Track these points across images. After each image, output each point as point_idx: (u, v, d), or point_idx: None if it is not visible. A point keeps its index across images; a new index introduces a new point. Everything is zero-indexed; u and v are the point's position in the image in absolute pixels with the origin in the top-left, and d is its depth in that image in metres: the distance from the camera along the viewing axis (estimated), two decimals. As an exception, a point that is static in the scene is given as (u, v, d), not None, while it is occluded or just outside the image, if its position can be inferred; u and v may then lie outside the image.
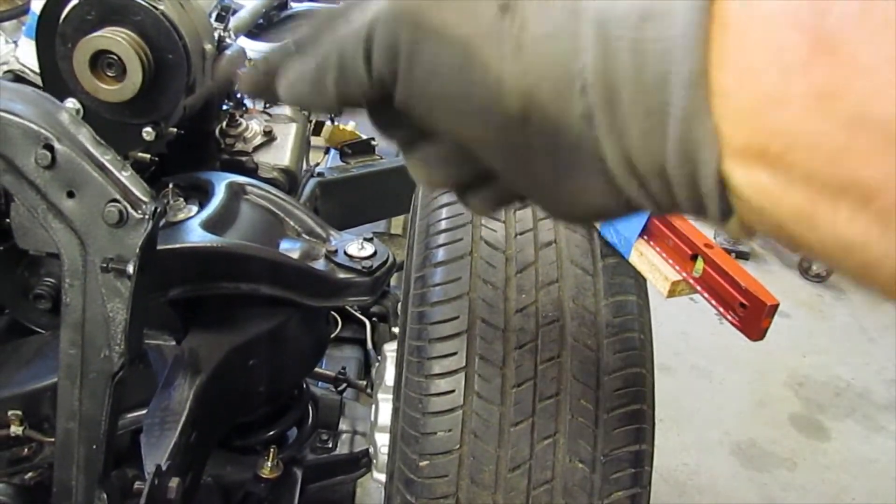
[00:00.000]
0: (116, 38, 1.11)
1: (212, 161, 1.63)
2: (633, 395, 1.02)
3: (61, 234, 0.82)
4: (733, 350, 2.62)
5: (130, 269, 0.80)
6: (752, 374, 2.52)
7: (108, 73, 1.14)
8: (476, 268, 1.05)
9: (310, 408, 1.52)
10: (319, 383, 1.68)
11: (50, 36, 1.17)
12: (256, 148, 1.62)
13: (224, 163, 1.61)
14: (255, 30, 3.77)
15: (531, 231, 1.11)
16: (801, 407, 2.39)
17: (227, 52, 1.72)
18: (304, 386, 1.52)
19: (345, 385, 1.65)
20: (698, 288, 0.93)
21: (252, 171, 1.57)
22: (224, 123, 1.64)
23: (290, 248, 1.27)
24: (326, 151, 2.29)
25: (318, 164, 2.02)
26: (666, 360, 2.52)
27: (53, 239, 0.83)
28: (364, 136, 2.22)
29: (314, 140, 2.22)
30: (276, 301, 1.23)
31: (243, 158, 1.59)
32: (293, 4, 3.97)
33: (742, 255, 3.19)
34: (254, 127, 1.64)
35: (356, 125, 2.28)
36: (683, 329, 2.70)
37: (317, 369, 1.65)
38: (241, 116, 1.67)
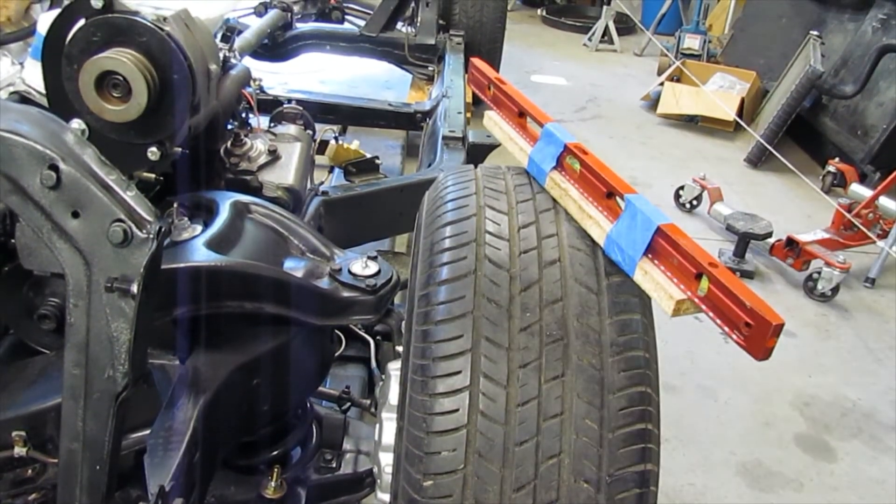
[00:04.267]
0: (122, 59, 1.12)
1: (217, 180, 1.64)
2: (639, 415, 1.01)
3: (66, 254, 0.82)
4: (739, 369, 2.60)
5: (135, 288, 0.80)
6: (757, 394, 2.50)
7: (114, 94, 1.15)
8: (480, 286, 1.04)
9: (313, 427, 1.51)
10: (323, 402, 1.67)
11: (56, 57, 1.18)
12: (261, 167, 1.62)
13: (229, 182, 1.62)
14: (261, 50, 3.81)
15: (535, 249, 1.10)
16: (807, 427, 2.37)
17: (233, 71, 1.74)
18: (308, 405, 1.52)
19: (349, 404, 1.64)
20: (703, 307, 0.93)
21: (256, 190, 1.57)
22: (229, 143, 1.65)
23: (295, 267, 1.27)
24: (331, 170, 2.31)
25: (322, 183, 2.02)
26: (671, 380, 2.51)
27: (58, 259, 0.84)
28: (368, 155, 2.23)
29: (318, 159, 2.23)
30: (280, 320, 1.23)
31: (248, 177, 1.59)
32: (298, 25, 4.01)
33: (746, 275, 3.18)
34: (258, 146, 1.65)
35: (360, 144, 2.29)
36: (689, 348, 2.68)
37: (321, 388, 1.64)
38: (246, 136, 1.68)
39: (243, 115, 1.85)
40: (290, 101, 2.73)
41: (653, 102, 5.15)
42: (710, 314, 0.92)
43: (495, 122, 1.40)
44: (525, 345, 1.01)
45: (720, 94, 4.97)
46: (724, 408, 2.41)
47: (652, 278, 0.99)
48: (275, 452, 1.42)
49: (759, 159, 4.36)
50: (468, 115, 3.71)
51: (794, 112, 4.34)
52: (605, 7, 6.78)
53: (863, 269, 3.29)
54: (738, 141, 4.73)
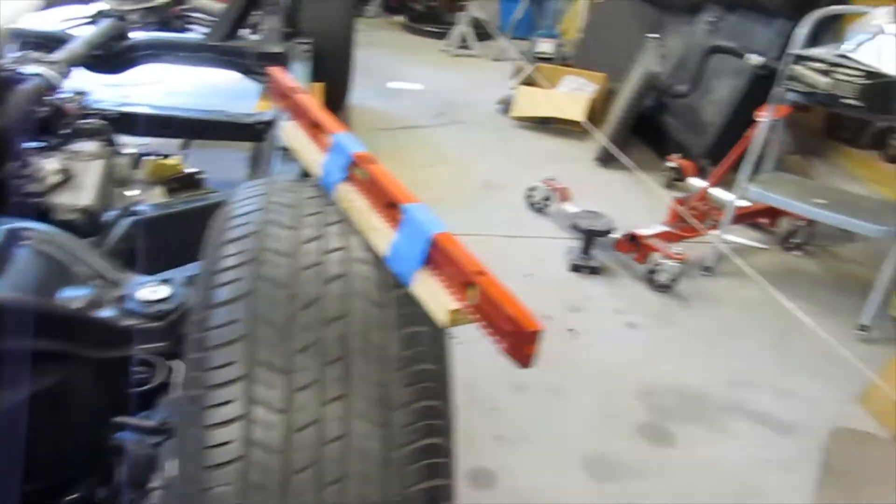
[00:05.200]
0: None
1: (5, 205, 1.51)
2: (426, 430, 0.98)
3: None
4: (586, 364, 2.67)
5: None
6: (603, 387, 2.56)
7: None
8: (257, 308, 0.99)
9: (118, 464, 1.41)
10: (138, 435, 1.56)
11: None
12: (52, 188, 1.51)
13: (16, 206, 1.49)
14: (92, 60, 3.58)
15: (318, 265, 1.06)
16: (649, 415, 2.45)
17: (22, 86, 1.61)
18: (112, 440, 1.41)
19: (166, 437, 1.54)
20: (474, 316, 0.92)
21: (45, 214, 1.46)
22: (16, 164, 1.52)
23: (73, 297, 1.18)
24: (149, 187, 2.19)
25: (137, 201, 1.91)
26: (521, 380, 2.54)
27: None
28: (189, 170, 2.13)
29: (138, 174, 2.11)
30: (55, 355, 1.13)
31: (35, 200, 1.48)
32: (131, 35, 3.82)
33: (594, 271, 3.28)
34: (48, 166, 1.53)
35: (180, 159, 2.19)
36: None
37: (136, 421, 1.53)
38: (35, 156, 1.56)
39: (65, 130, 1.73)
40: (120, 114, 2.58)
41: (508, 106, 5.24)
42: (480, 323, 0.91)
43: (292, 133, 1.35)
44: (304, 366, 0.97)
45: (570, 96, 5.12)
46: (571, 404, 2.46)
47: (428, 289, 0.97)
48: (72, 496, 1.31)
49: (607, 158, 4.51)
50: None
51: (635, 112, 4.52)
52: (461, 13, 6.85)
53: (701, 258, 3.45)
54: (588, 141, 4.88)
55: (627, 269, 3.36)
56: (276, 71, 1.44)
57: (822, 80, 2.96)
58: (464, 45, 6.83)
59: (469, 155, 4.46)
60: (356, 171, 1.16)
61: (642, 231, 3.31)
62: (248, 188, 1.23)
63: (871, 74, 2.81)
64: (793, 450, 2.38)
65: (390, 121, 4.91)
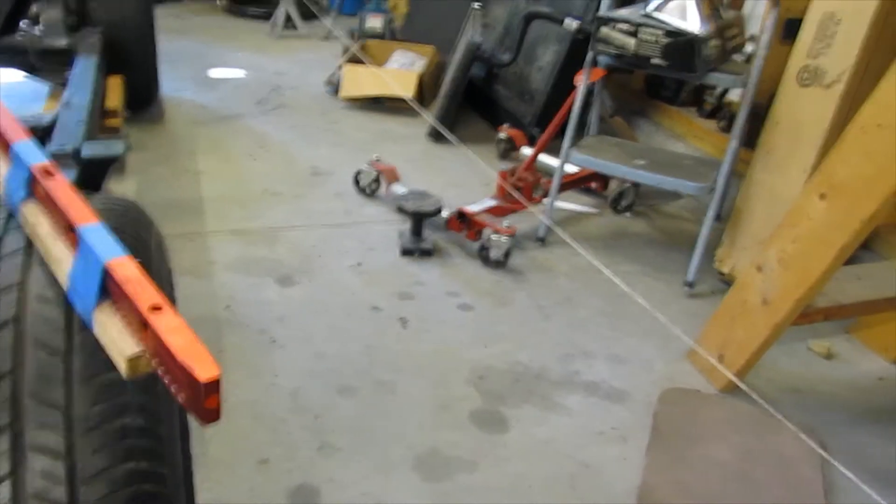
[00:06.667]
0: None
1: None
2: (129, 499, 0.80)
3: None
4: (417, 355, 2.55)
5: None
6: (436, 377, 2.45)
7: None
8: None
9: None
10: None
11: None
12: None
13: None
14: None
15: (-19, 312, 0.86)
16: (482, 402, 2.36)
17: None
18: None
19: None
20: (154, 363, 0.74)
21: None
22: None
23: None
24: None
25: None
26: (349, 381, 2.39)
27: None
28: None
29: None
30: None
31: None
32: None
33: (425, 253, 3.16)
34: None
35: None
36: (368, 342, 2.58)
37: None
38: None
39: None
40: None
41: (337, 87, 5.03)
42: (160, 371, 0.74)
43: (-23, 145, 1.12)
44: (-46, 446, 0.76)
45: (399, 72, 4.97)
46: (402, 400, 2.33)
47: (107, 332, 0.79)
48: None
49: (439, 134, 4.41)
50: (116, 122, 3.30)
51: (462, 84, 4.43)
52: (283, -8, 6.54)
53: (535, 228, 3.42)
54: (422, 118, 4.76)
55: (461, 248, 3.28)
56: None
57: (630, 41, 2.95)
58: (290, 25, 6.53)
59: (295, 142, 4.23)
60: (40, 187, 0.96)
61: (471, 207, 3.22)
62: None
63: (671, 33, 2.82)
64: (626, 417, 2.36)
65: (209, 112, 4.59)
